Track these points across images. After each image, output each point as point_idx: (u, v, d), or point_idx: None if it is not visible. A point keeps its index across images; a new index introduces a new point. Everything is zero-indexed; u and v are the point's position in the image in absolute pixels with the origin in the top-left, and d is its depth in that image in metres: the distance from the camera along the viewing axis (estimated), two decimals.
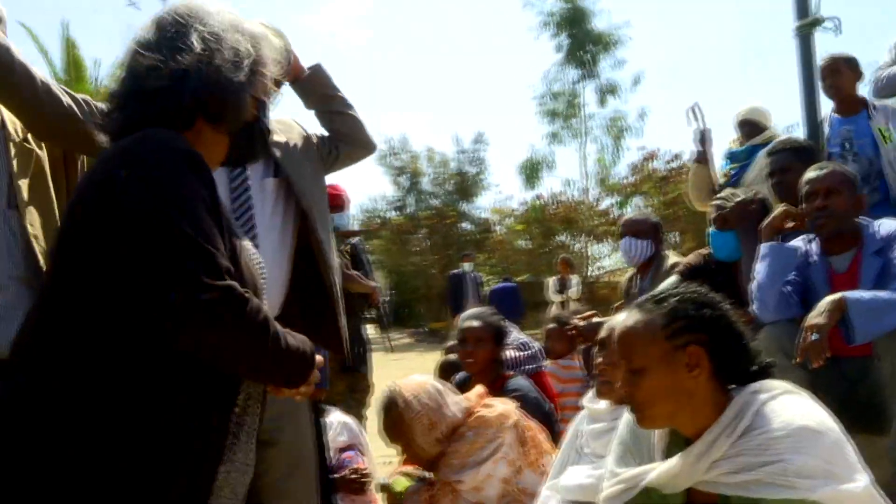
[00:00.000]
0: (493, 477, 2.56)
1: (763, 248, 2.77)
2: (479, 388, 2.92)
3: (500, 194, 31.13)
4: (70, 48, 13.89)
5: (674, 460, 1.68)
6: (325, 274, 2.41)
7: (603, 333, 2.34)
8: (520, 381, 3.30)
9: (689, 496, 1.72)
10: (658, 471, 1.70)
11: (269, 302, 2.20)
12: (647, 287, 3.43)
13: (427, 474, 2.80)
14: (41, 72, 2.00)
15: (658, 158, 17.34)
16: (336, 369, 5.21)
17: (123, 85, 1.50)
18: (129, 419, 1.29)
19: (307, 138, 2.55)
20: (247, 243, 1.58)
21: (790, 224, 2.84)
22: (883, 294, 2.41)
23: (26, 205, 1.96)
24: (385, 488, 2.91)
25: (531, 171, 20.44)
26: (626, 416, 1.86)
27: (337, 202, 5.37)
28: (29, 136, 2.05)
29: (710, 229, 3.17)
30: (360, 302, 5.47)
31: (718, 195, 3.26)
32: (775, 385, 1.68)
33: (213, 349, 1.33)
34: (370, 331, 7.05)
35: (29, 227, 1.95)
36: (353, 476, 3.75)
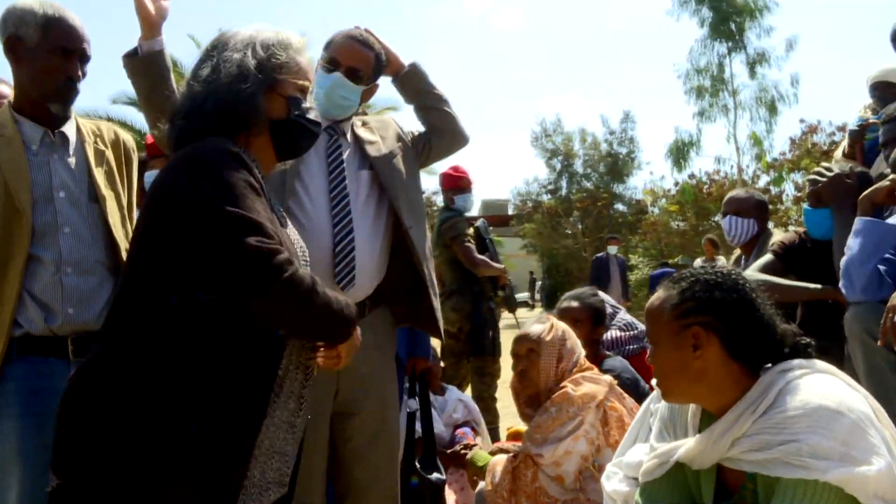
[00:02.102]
0: (573, 453, 2.63)
1: (857, 222, 2.62)
2: (584, 360, 2.97)
3: (652, 175, 30.36)
4: None
5: (700, 437, 1.72)
6: (416, 260, 2.58)
7: None
8: (614, 362, 3.33)
9: (720, 472, 1.75)
10: (686, 447, 1.74)
11: (361, 283, 2.42)
12: None
13: (515, 447, 2.91)
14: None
15: (820, 131, 16.21)
16: (464, 352, 5.43)
17: (172, 110, 1.80)
18: (190, 380, 1.54)
19: (401, 135, 2.74)
20: (290, 230, 1.81)
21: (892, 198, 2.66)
22: None
23: (104, 199, 2.27)
24: (469, 462, 3.05)
25: (679, 153, 19.72)
26: None
27: (459, 184, 5.55)
28: (98, 138, 2.36)
29: (805, 206, 3.05)
30: (488, 285, 5.61)
31: (814, 170, 3.11)
32: (806, 364, 1.67)
33: (264, 301, 1.57)
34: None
35: (109, 217, 2.26)
36: (463, 451, 3.94)
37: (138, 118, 14.83)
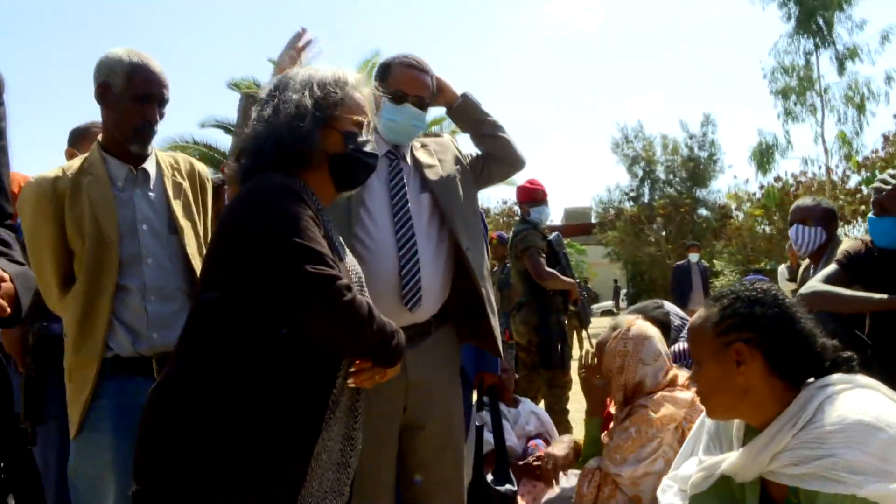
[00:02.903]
0: (651, 474, 2.68)
1: None
2: (683, 373, 2.98)
3: (736, 178, 29.52)
4: None
5: (742, 451, 1.77)
6: (474, 280, 2.68)
7: None
8: (681, 374, 3.34)
9: (765, 485, 1.78)
10: (729, 460, 1.79)
11: (427, 304, 2.54)
12: None
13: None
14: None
15: None
16: (536, 364, 5.51)
17: (238, 148, 1.98)
18: (254, 396, 1.68)
19: (459, 158, 2.83)
20: (348, 259, 1.94)
21: None
22: None
23: (182, 230, 2.46)
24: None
25: (762, 156, 19.13)
26: None
27: (534, 196, 5.63)
28: (176, 171, 2.55)
29: (870, 215, 3.01)
30: (559, 298, 5.66)
31: (878, 177, 3.07)
32: (847, 379, 1.70)
33: (323, 324, 1.70)
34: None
35: (187, 248, 2.45)
36: (536, 463, 4.02)
37: (224, 141, 15.54)
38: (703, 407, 2.76)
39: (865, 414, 1.59)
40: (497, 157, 2.87)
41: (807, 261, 3.79)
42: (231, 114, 15.79)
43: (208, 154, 15.27)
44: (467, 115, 2.85)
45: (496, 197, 28.68)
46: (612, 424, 2.90)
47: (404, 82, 2.63)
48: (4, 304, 1.42)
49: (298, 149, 1.84)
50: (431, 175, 2.70)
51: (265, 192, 1.76)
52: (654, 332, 2.94)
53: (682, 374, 2.94)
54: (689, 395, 2.79)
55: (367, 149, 1.96)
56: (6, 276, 1.48)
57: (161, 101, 2.43)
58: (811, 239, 3.60)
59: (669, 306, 3.86)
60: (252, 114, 1.94)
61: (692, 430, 2.56)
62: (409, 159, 2.71)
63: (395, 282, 2.47)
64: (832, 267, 3.13)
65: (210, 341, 1.74)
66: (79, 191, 2.35)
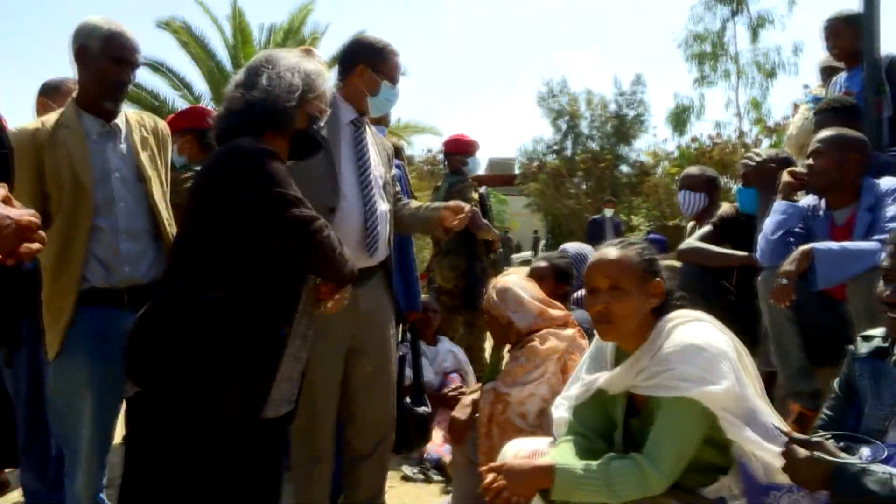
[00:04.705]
0: (535, 395, 3.17)
1: (775, 204, 3.15)
2: (560, 313, 3.44)
3: (655, 137, 30.42)
4: (237, 16, 15.35)
5: (615, 370, 2.26)
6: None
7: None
8: (579, 315, 3.85)
9: (631, 397, 2.29)
10: (603, 377, 2.29)
11: (381, 250, 3.02)
12: None
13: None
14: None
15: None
16: (456, 306, 5.98)
17: (223, 106, 2.33)
18: (234, 318, 2.11)
19: (390, 156, 3.32)
20: None
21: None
22: (851, 245, 2.77)
23: (149, 179, 2.81)
24: None
25: (678, 119, 19.97)
26: (595, 338, 2.43)
27: (469, 149, 6.05)
28: (142, 127, 2.88)
29: (737, 185, 3.53)
30: (482, 248, 6.13)
31: (745, 154, 3.60)
32: (686, 314, 2.21)
33: (307, 254, 2.19)
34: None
35: (154, 194, 2.81)
36: (452, 394, 4.52)
37: (150, 80, 15.24)
38: (582, 343, 3.28)
39: (695, 339, 2.11)
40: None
41: (693, 222, 4.31)
42: (159, 53, 15.42)
43: (135, 93, 14.90)
44: None
45: (420, 145, 28.84)
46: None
47: (396, 69, 3.14)
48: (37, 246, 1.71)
49: (281, 117, 2.26)
50: (380, 149, 3.19)
51: (248, 153, 2.17)
52: (513, 283, 3.41)
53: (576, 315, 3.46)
54: (571, 331, 3.30)
55: (323, 133, 2.43)
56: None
57: (134, 64, 2.74)
58: (695, 203, 4.11)
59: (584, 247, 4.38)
60: (238, 76, 2.35)
61: (583, 357, 3.08)
62: (367, 128, 3.15)
63: (360, 233, 2.95)
64: (707, 227, 3.68)
65: (198, 276, 2.14)
66: (56, 142, 2.66)
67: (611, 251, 2.30)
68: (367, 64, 3.05)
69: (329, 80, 2.46)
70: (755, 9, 19.07)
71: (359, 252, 2.89)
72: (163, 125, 3.01)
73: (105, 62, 2.68)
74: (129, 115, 2.89)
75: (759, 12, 18.99)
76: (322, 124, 2.42)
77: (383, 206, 3.05)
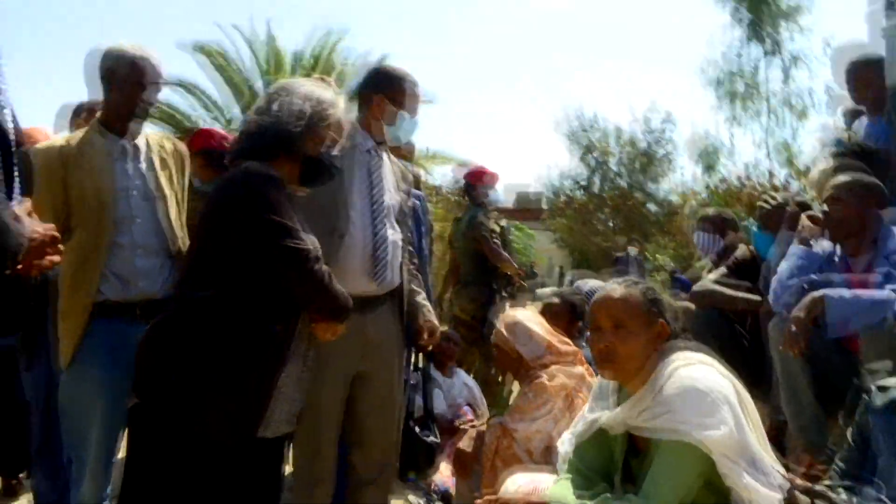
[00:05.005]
0: (542, 432, 3.17)
1: (792, 248, 3.12)
2: (569, 349, 3.44)
3: (682, 175, 30.24)
4: (272, 43, 15.63)
5: (617, 409, 2.25)
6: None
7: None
8: (586, 352, 3.84)
9: (632, 439, 2.27)
10: (605, 416, 2.28)
11: (389, 279, 3.02)
12: None
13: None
14: None
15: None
16: (473, 338, 5.97)
17: (241, 130, 2.40)
18: (232, 337, 2.14)
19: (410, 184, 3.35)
20: (311, 238, 2.37)
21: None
22: (865, 294, 2.73)
23: (166, 197, 2.88)
24: None
25: (708, 158, 19.86)
26: (598, 377, 2.42)
27: (490, 181, 6.10)
28: (162, 148, 2.95)
29: (754, 229, 3.52)
30: (503, 280, 6.14)
31: (762, 197, 3.58)
32: (690, 357, 2.19)
33: (295, 284, 2.21)
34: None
35: (170, 212, 2.88)
36: (462, 427, 4.50)
37: (175, 99, 15.52)
38: (591, 381, 3.26)
39: (698, 382, 2.08)
40: None
41: (710, 263, 4.29)
42: (185, 74, 15.75)
43: (168, 113, 15.16)
44: None
45: (449, 176, 28.98)
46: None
47: (414, 100, 3.17)
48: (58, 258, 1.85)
49: (289, 142, 2.31)
50: (399, 177, 3.21)
51: (248, 178, 2.22)
52: (523, 316, 3.43)
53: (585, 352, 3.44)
54: (580, 369, 3.28)
55: (335, 162, 2.46)
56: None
57: (157, 88, 2.83)
58: (710, 244, 4.10)
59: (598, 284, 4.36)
60: (258, 102, 2.42)
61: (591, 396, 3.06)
62: (384, 156, 3.18)
63: (368, 261, 2.95)
64: (721, 269, 3.66)
65: (192, 276, 2.21)
66: (81, 159, 2.75)
67: (616, 289, 2.30)
68: (385, 94, 3.09)
69: (348, 110, 2.51)
70: (790, 48, 19.01)
71: (365, 279, 2.92)
72: (182, 147, 3.09)
73: (130, 85, 2.78)
74: (149, 136, 2.98)
75: (793, 52, 18.94)
76: (336, 152, 2.46)
77: (395, 235, 3.06)
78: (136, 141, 2.88)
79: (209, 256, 2.21)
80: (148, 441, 2.16)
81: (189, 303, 2.17)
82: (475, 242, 5.90)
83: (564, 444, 2.71)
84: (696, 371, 2.14)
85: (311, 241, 2.32)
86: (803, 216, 3.20)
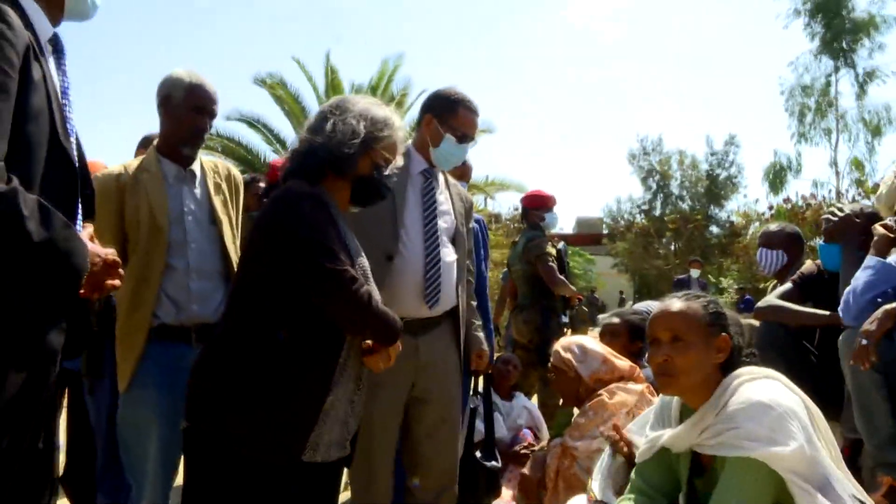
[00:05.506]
0: (602, 451, 3.08)
1: (868, 259, 2.97)
2: (626, 364, 3.37)
3: (746, 197, 29.65)
4: (330, 73, 15.92)
5: (679, 427, 2.16)
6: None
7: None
8: (647, 372, 3.74)
9: (696, 456, 2.18)
10: (668, 434, 2.19)
11: (442, 304, 2.99)
12: None
13: None
14: None
15: None
16: (532, 361, 5.89)
17: (292, 150, 2.38)
18: (280, 361, 2.10)
19: (468, 211, 3.31)
20: (362, 259, 2.34)
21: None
22: None
23: (220, 221, 2.91)
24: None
25: (776, 177, 19.33)
26: (660, 395, 2.34)
27: (547, 203, 6.04)
28: (216, 174, 2.99)
29: (820, 242, 3.37)
30: (560, 303, 6.05)
31: (827, 209, 3.44)
32: (754, 371, 2.10)
33: (334, 306, 2.13)
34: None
35: (224, 236, 2.90)
36: (523, 451, 4.43)
37: (245, 135, 15.89)
38: (651, 397, 3.17)
39: (763, 396, 1.99)
40: None
41: (775, 280, 4.13)
42: (255, 108, 16.09)
43: (230, 146, 15.52)
44: None
45: (507, 203, 28.88)
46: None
47: (468, 125, 3.11)
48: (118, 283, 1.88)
49: (341, 162, 2.26)
50: (456, 200, 3.18)
51: (290, 196, 2.18)
52: (578, 338, 3.41)
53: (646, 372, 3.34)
54: (640, 387, 3.20)
55: (387, 182, 2.39)
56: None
57: (212, 114, 2.88)
58: (774, 261, 3.94)
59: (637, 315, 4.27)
60: (310, 120, 2.37)
61: (640, 415, 2.97)
62: (440, 179, 3.16)
63: (419, 283, 2.93)
64: (787, 285, 3.52)
65: (247, 317, 2.16)
66: (137, 185, 2.80)
67: (675, 303, 2.23)
68: (435, 115, 3.06)
69: (402, 131, 2.42)
70: (865, 63, 18.45)
71: (418, 302, 2.90)
72: (236, 173, 3.13)
73: (186, 111, 2.83)
74: (204, 161, 3.02)
75: (867, 68, 18.38)
76: (389, 172, 2.39)
77: (449, 257, 3.03)
78: (191, 166, 2.92)
79: (253, 279, 2.19)
80: (200, 464, 2.14)
81: (231, 328, 2.16)
82: (531, 265, 5.83)
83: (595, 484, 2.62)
84: (762, 385, 2.05)
85: (359, 263, 2.28)
86: (878, 225, 3.05)
